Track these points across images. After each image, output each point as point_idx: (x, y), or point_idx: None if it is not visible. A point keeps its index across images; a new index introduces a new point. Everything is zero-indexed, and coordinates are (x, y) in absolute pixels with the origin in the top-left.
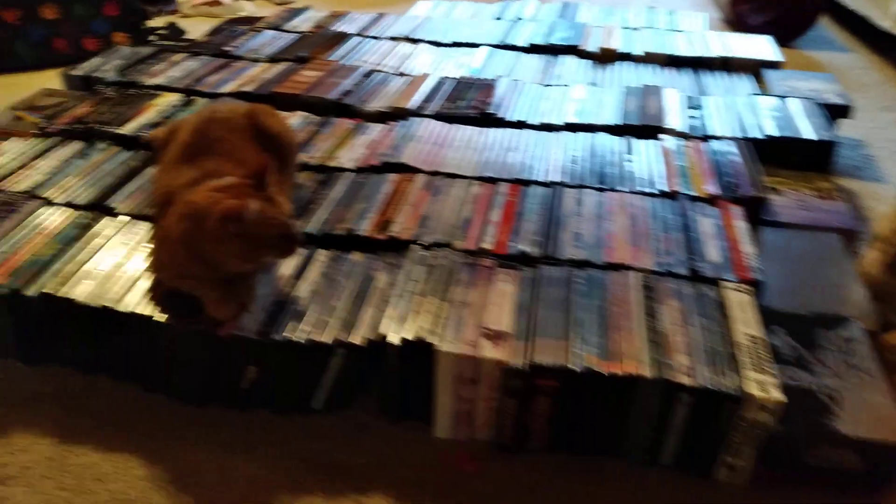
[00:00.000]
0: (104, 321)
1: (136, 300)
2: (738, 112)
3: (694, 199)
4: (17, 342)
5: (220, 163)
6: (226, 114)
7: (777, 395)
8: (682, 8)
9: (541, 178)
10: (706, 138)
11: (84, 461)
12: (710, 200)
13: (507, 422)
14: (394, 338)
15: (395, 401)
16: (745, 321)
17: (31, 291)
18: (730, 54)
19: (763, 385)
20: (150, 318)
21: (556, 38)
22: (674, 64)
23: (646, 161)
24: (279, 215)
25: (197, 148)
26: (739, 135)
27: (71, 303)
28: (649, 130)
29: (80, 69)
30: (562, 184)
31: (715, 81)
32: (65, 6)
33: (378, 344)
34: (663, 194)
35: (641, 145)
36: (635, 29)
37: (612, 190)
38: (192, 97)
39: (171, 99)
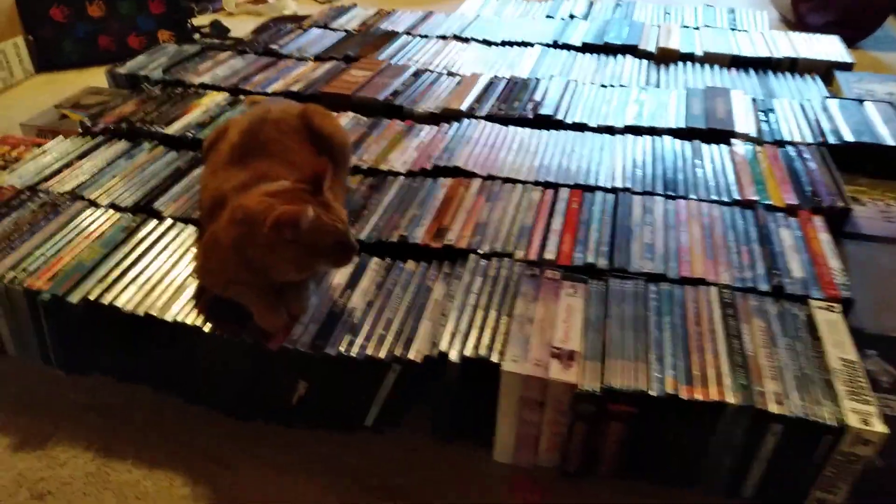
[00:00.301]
0: (148, 330)
1: (182, 308)
2: (811, 116)
3: (771, 208)
4: (57, 350)
5: (272, 165)
6: (278, 114)
7: (880, 426)
8: (739, 6)
9: (604, 184)
10: (780, 143)
11: (125, 478)
12: (790, 210)
13: (575, 447)
14: (453, 355)
15: (451, 421)
16: (837, 343)
17: (74, 298)
18: (798, 55)
19: (864, 415)
20: (195, 327)
21: (612, 38)
22: (737, 65)
23: (716, 167)
24: (336, 222)
25: (248, 149)
26: (814, 140)
27: (114, 310)
28: (717, 135)
29: (126, 67)
30: (627, 190)
31: (783, 83)
32: (111, 3)
33: (436, 361)
34: (738, 203)
35: (710, 150)
36: (695, 28)
37: (682, 198)
38: (238, 96)
39: (218, 98)
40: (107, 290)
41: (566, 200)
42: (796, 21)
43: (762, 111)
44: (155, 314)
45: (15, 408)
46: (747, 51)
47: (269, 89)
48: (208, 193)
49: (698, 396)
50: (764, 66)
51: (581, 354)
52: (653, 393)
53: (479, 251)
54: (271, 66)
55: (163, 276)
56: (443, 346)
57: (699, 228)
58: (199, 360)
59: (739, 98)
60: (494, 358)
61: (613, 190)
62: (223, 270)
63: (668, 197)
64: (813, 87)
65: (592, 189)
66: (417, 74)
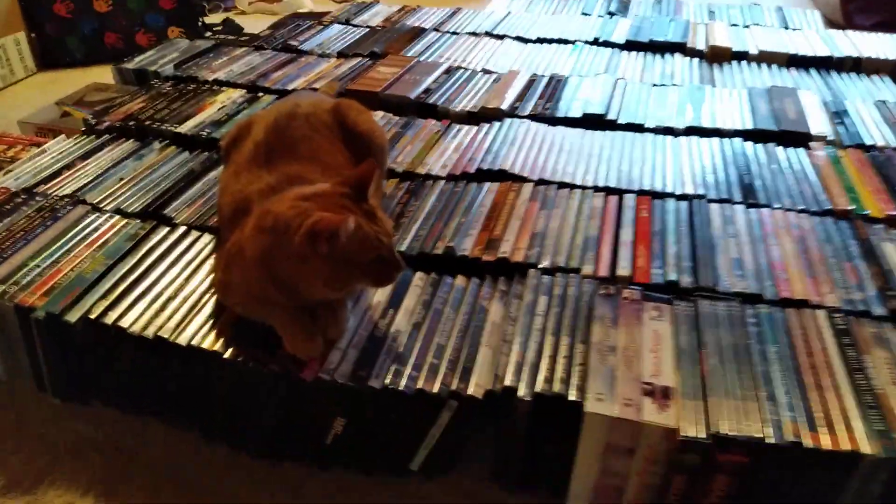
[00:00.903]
0: (158, 355)
1: (198, 330)
2: (889, 118)
3: (869, 219)
4: (54, 375)
5: (303, 166)
6: (308, 108)
7: None
8: (785, 5)
9: (673, 190)
10: (864, 147)
11: None
12: (891, 222)
13: (669, 501)
14: (523, 390)
15: (515, 467)
16: None
17: (72, 317)
18: (861, 54)
19: None
20: (214, 353)
21: (658, 35)
22: (795, 64)
23: (797, 173)
24: (381, 235)
25: (275, 148)
26: None
27: (119, 331)
28: (791, 137)
29: (134, 62)
30: (702, 197)
31: (849, 84)
32: None
33: (500, 397)
34: (830, 213)
35: (787, 154)
36: (744, 26)
37: (766, 206)
38: (257, 94)
39: (234, 95)
40: (110, 307)
41: (634, 208)
42: (844, 22)
43: (835, 112)
44: (167, 336)
45: (2, 442)
46: (805, 50)
47: (290, 86)
48: (229, 197)
49: (827, 445)
50: (825, 65)
51: (677, 391)
52: (771, 440)
53: (539, 266)
54: (291, 62)
55: (176, 292)
56: (508, 379)
57: (791, 242)
58: (220, 391)
59: (809, 98)
60: (573, 395)
61: (685, 197)
62: (248, 287)
63: (749, 205)
64: (883, 88)
65: (661, 196)
66: (450, 72)
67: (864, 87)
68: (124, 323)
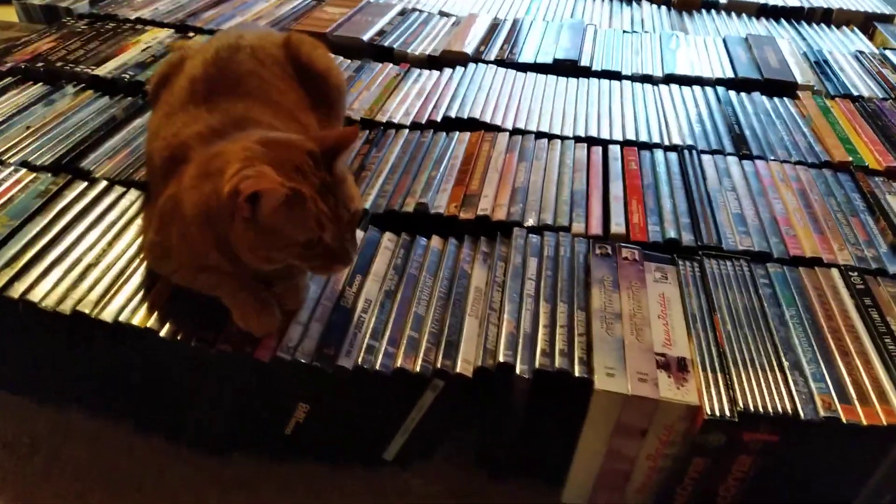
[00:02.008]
0: (78, 334)
1: (126, 304)
2: (871, 68)
3: (869, 171)
4: None
5: (250, 106)
6: (253, 41)
7: None
8: None
9: (661, 141)
10: (853, 98)
11: None
12: (890, 174)
13: (685, 489)
14: (521, 367)
15: (506, 451)
16: None
17: None
18: (832, 5)
19: None
20: (147, 331)
21: None
22: (765, 14)
23: (788, 124)
24: (326, 219)
25: (216, 84)
26: (887, 95)
27: (28, 307)
28: (776, 87)
29: None
30: (692, 148)
31: (821, 35)
32: None
33: (493, 375)
34: (828, 166)
35: (774, 104)
36: None
37: (760, 158)
38: (187, 34)
39: (161, 35)
40: (16, 277)
41: (620, 160)
42: None
43: (815, 63)
44: (87, 312)
45: None
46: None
47: (226, 27)
48: (161, 143)
49: (865, 419)
50: (796, 16)
51: (694, 363)
52: (805, 416)
53: (524, 224)
54: (225, 0)
55: (97, 259)
56: (502, 354)
57: (792, 195)
58: (156, 375)
59: (788, 47)
60: (579, 371)
61: (674, 148)
62: (188, 250)
63: (742, 157)
64: (855, 40)
65: (648, 147)
66: (404, 13)
67: (836, 39)
68: (34, 296)
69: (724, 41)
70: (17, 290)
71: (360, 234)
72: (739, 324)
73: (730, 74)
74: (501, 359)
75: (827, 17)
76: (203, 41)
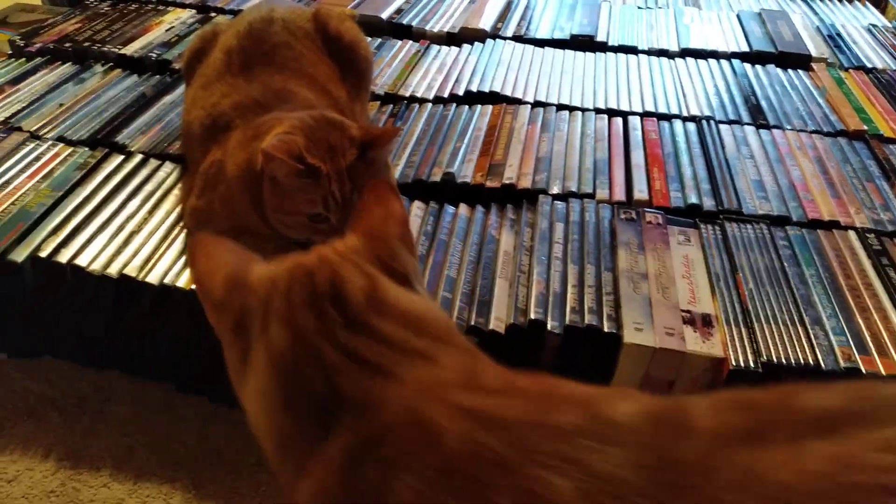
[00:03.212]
0: (122, 298)
1: (170, 268)
2: (886, 42)
3: (885, 139)
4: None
5: (287, 78)
6: (285, 14)
7: None
8: None
9: (678, 112)
10: (867, 70)
11: (102, 496)
12: None
13: None
14: (553, 324)
15: None
16: None
17: (18, 256)
18: None
19: None
20: (189, 291)
21: None
22: None
23: (803, 95)
24: (332, 202)
25: (252, 55)
26: None
27: (76, 272)
28: (791, 59)
29: None
30: (710, 119)
31: (832, 8)
32: None
33: (525, 331)
34: (843, 134)
35: (789, 76)
36: None
37: (777, 127)
38: (209, 14)
39: (183, 15)
40: (63, 244)
41: (640, 130)
42: None
43: (829, 36)
44: (134, 276)
45: None
46: None
47: (247, 6)
48: (200, 112)
49: (884, 369)
50: None
51: (718, 318)
52: (826, 367)
53: (549, 192)
54: None
55: (139, 226)
56: (533, 312)
57: (809, 163)
58: (195, 336)
59: (801, 21)
60: (608, 326)
61: (693, 119)
62: (230, 212)
63: (759, 126)
64: (867, 13)
65: (667, 117)
66: None
67: (849, 13)
68: (81, 261)
69: (738, 16)
70: (64, 256)
71: None
72: (761, 282)
73: (745, 48)
74: (533, 316)
75: None
76: (237, 17)
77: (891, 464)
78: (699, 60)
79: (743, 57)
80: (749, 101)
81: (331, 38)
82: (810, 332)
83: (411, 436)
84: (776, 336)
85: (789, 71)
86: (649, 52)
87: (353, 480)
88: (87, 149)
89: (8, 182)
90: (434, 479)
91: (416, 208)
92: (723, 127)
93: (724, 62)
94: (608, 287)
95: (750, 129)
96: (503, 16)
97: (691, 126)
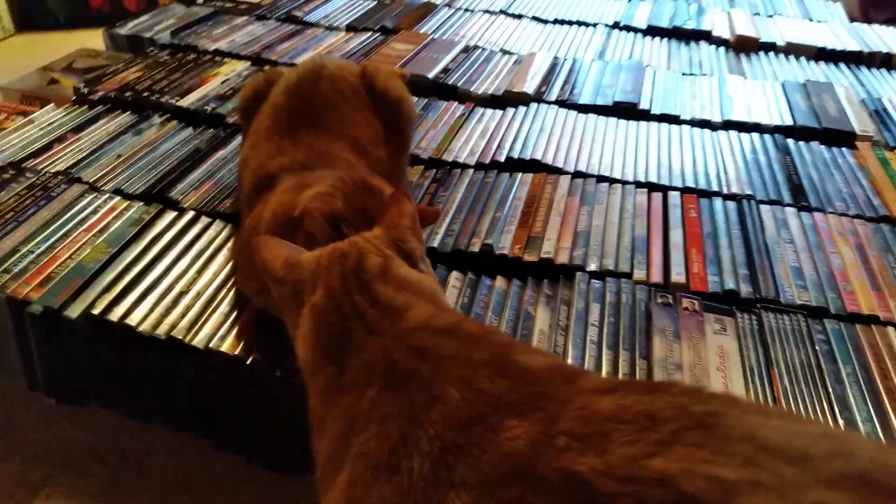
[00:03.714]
0: (169, 357)
1: (216, 331)
2: None
3: None
4: (49, 374)
5: (331, 141)
6: (334, 70)
7: None
8: None
9: (719, 188)
10: None
11: None
12: None
13: None
14: None
15: None
16: None
17: (73, 312)
18: (893, 50)
19: None
20: (235, 358)
21: (682, 22)
22: (823, 58)
23: (846, 174)
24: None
25: (299, 115)
26: None
27: (126, 330)
28: (834, 136)
29: (128, 28)
30: (751, 197)
31: (882, 81)
32: None
33: None
34: (887, 220)
35: (832, 154)
36: (768, 16)
37: (819, 210)
38: (263, 67)
39: (239, 67)
40: (115, 301)
41: (680, 207)
42: (860, 15)
43: (874, 111)
44: (181, 337)
45: None
46: (833, 43)
47: (299, 60)
48: (249, 172)
49: None
50: (854, 60)
51: None
52: None
53: (587, 269)
54: (296, 34)
55: (188, 286)
56: None
57: (849, 250)
58: (240, 399)
59: (847, 95)
60: None
61: (733, 197)
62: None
63: (800, 208)
64: None
65: (708, 194)
66: (468, 51)
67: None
68: (132, 320)
69: (783, 86)
70: (115, 314)
71: None
72: (796, 379)
73: (788, 121)
74: None
75: (887, 62)
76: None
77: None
78: (742, 133)
79: (786, 131)
80: (791, 180)
81: (377, 94)
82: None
83: (380, 364)
84: None
85: (833, 148)
86: (692, 123)
87: (348, 394)
88: (141, 204)
89: (67, 234)
90: (385, 389)
91: (454, 279)
92: (763, 207)
93: (766, 136)
94: (642, 376)
95: (791, 211)
96: (547, 79)
97: (731, 205)
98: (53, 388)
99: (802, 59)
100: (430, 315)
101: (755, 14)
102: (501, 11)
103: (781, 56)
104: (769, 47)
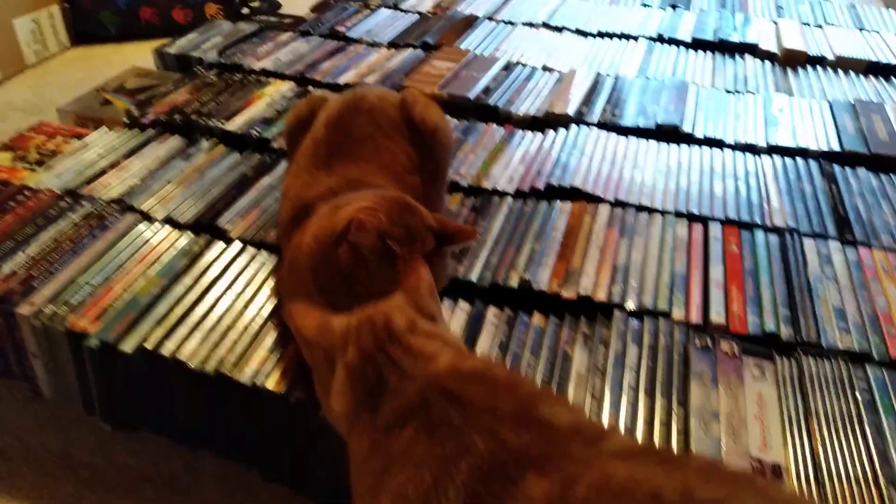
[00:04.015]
0: (217, 389)
1: (261, 366)
2: None
3: None
4: (105, 401)
5: (362, 168)
6: (374, 102)
7: None
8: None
9: (761, 220)
10: None
11: None
12: None
13: None
14: None
15: None
16: None
17: (127, 346)
18: None
19: None
20: (279, 396)
21: (727, 34)
22: (874, 72)
23: (893, 205)
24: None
25: (336, 147)
26: None
27: (178, 364)
28: (883, 162)
29: (176, 47)
30: (794, 231)
31: None
32: None
33: None
34: None
35: (881, 183)
36: (817, 26)
37: (865, 245)
38: (307, 87)
39: (283, 88)
40: (167, 335)
41: (721, 240)
42: None
43: None
44: (227, 373)
45: (45, 467)
46: (887, 56)
47: (342, 79)
48: (288, 203)
49: None
50: None
51: (789, 471)
52: None
53: (625, 307)
54: (339, 51)
55: (234, 320)
56: None
57: (895, 289)
58: (285, 432)
59: None
60: None
61: (776, 229)
62: (298, 288)
63: (845, 242)
64: None
65: (749, 226)
66: (509, 68)
67: None
68: (183, 355)
69: (831, 106)
70: (168, 349)
71: (466, 306)
72: (836, 431)
73: (835, 145)
74: None
75: None
76: (331, 96)
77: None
78: (786, 158)
79: (833, 156)
80: (836, 211)
81: (414, 124)
82: (884, 493)
83: (415, 406)
84: (847, 496)
85: (881, 175)
86: (735, 147)
87: (386, 435)
88: (191, 234)
89: (122, 266)
90: (420, 431)
91: (492, 315)
92: (807, 241)
93: (812, 162)
94: (679, 424)
95: (835, 246)
96: (588, 98)
97: (774, 239)
98: (108, 414)
99: (852, 73)
100: (458, 358)
101: (804, 24)
102: (544, 24)
103: (830, 70)
104: (817, 61)
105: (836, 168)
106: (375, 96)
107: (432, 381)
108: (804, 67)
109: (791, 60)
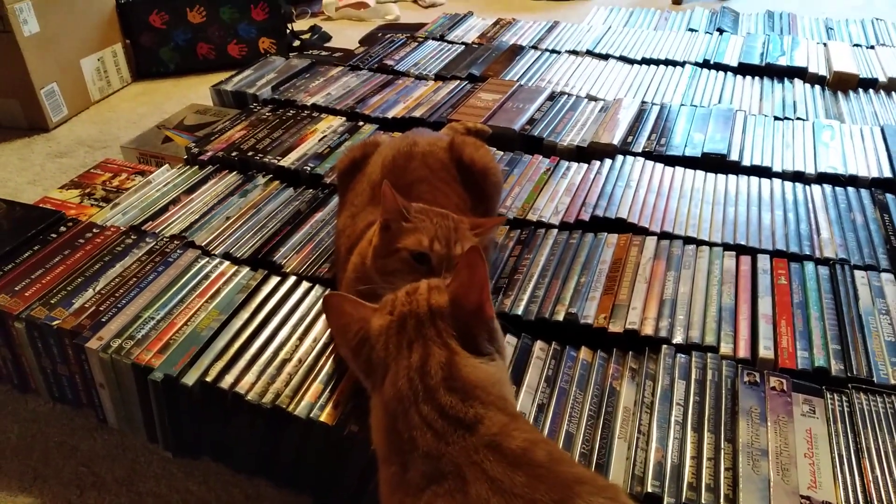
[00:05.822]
0: (274, 423)
1: (317, 399)
2: None
3: None
4: (166, 430)
5: None
6: (425, 147)
7: None
8: None
9: (811, 252)
10: None
11: None
12: None
13: None
14: (668, 501)
15: None
16: None
17: (189, 379)
18: None
19: None
20: (333, 428)
21: (775, 58)
22: None
23: None
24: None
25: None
26: None
27: (236, 397)
28: None
29: (232, 84)
30: (844, 262)
31: None
32: (212, 9)
33: (641, 502)
34: None
35: None
36: (868, 47)
37: None
38: (357, 122)
39: (334, 124)
40: (226, 369)
41: (770, 273)
42: None
43: None
44: (284, 406)
45: (116, 491)
46: None
47: (390, 113)
48: (346, 240)
49: None
50: None
51: None
52: None
53: (672, 341)
54: (388, 85)
55: (290, 354)
56: (649, 483)
57: None
58: (339, 464)
59: None
60: None
61: (827, 261)
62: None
63: None
64: None
65: (799, 258)
66: (553, 98)
67: None
68: (241, 388)
69: (883, 131)
70: (227, 382)
71: (513, 340)
72: (888, 470)
73: (887, 173)
74: (649, 489)
75: None
76: (385, 139)
77: None
78: (837, 188)
79: (885, 184)
80: (889, 242)
81: (464, 166)
82: None
83: (447, 474)
84: None
85: None
86: (783, 176)
87: (405, 491)
88: (248, 269)
89: (183, 300)
90: (441, 497)
91: (538, 349)
92: (858, 273)
93: (863, 191)
94: (727, 461)
95: (887, 278)
96: (634, 127)
97: (824, 271)
98: (170, 442)
99: None
100: (501, 430)
101: (855, 45)
102: (588, 52)
103: (882, 94)
104: (870, 83)
105: (889, 196)
106: (426, 142)
107: (470, 453)
108: (855, 91)
109: (842, 84)
